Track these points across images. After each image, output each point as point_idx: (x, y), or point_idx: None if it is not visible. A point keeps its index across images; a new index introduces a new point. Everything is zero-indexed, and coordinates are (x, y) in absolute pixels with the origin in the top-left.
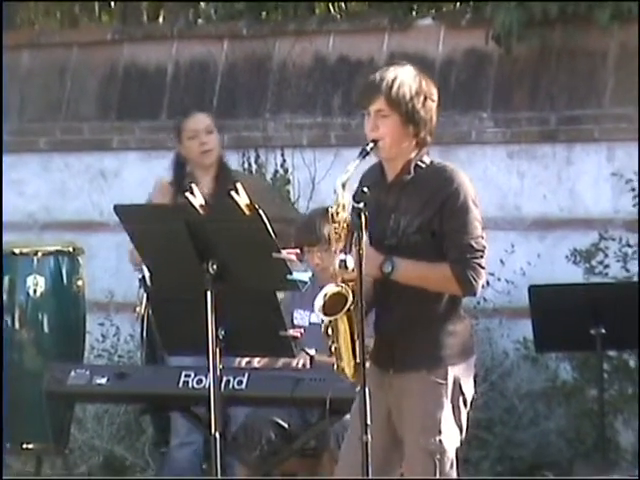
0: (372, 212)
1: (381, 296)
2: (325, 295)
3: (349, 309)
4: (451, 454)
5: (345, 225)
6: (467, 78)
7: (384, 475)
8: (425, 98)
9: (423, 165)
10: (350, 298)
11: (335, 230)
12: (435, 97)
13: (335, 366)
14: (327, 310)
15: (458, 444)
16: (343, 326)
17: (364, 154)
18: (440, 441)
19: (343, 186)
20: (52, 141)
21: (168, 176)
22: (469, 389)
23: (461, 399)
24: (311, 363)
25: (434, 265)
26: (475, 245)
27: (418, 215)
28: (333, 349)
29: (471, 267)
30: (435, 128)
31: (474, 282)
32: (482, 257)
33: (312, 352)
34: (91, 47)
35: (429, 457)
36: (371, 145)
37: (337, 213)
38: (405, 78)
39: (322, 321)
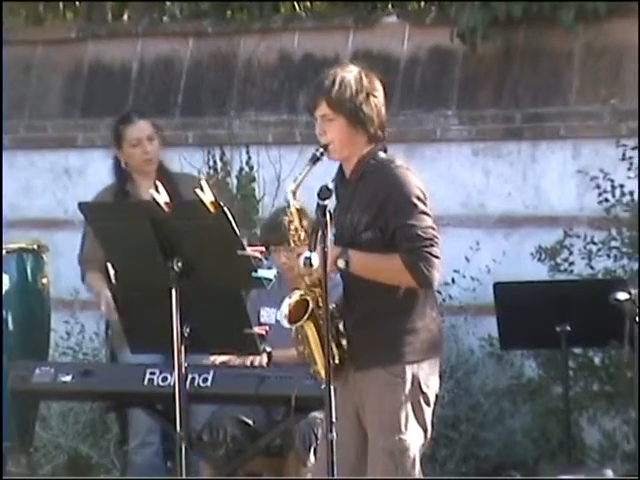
0: (336, 211)
1: (344, 293)
2: (289, 304)
3: (313, 313)
4: (412, 453)
5: (301, 233)
6: (432, 76)
7: (359, 473)
8: (368, 95)
9: (374, 162)
10: (312, 304)
11: (292, 237)
12: (379, 92)
13: (311, 370)
14: (292, 317)
15: (421, 442)
16: (310, 331)
17: (314, 160)
18: (400, 439)
19: (293, 194)
20: (16, 138)
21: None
22: (432, 388)
23: (422, 398)
24: (269, 360)
25: (388, 257)
26: (423, 234)
27: (365, 213)
28: (305, 354)
29: (421, 256)
30: (387, 122)
31: (426, 271)
32: (432, 246)
33: (269, 349)
34: (56, 45)
35: (388, 456)
36: (320, 150)
37: (291, 222)
38: (345, 79)
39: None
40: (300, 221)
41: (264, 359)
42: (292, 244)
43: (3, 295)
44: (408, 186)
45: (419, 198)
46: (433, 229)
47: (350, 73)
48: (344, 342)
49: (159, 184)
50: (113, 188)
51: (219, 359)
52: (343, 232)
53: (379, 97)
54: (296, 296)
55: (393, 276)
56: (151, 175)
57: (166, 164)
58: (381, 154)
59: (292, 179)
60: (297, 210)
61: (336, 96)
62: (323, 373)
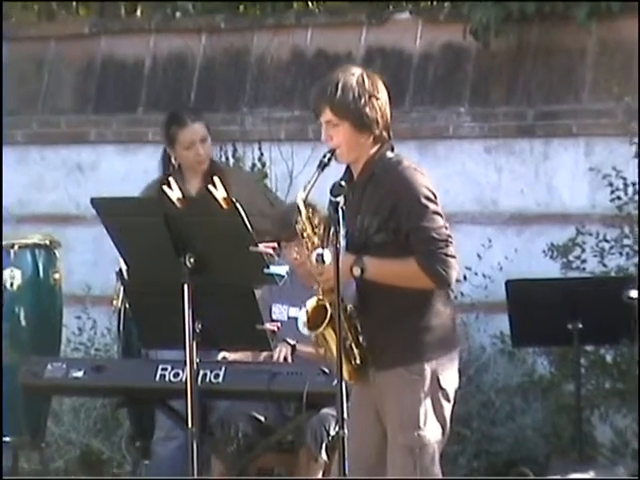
0: (346, 214)
1: (359, 295)
2: (308, 311)
3: (332, 319)
4: (432, 449)
5: (314, 240)
6: (445, 73)
7: (378, 472)
8: (370, 97)
9: (382, 164)
10: (329, 309)
11: (305, 244)
12: (382, 92)
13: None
14: (312, 323)
15: (440, 438)
16: (330, 336)
17: (322, 166)
18: (419, 435)
19: (304, 202)
20: (29, 134)
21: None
22: (451, 383)
23: (441, 393)
24: (293, 353)
25: (404, 261)
26: (437, 236)
27: (376, 215)
28: (327, 358)
29: (438, 259)
30: (391, 122)
31: (444, 273)
32: (447, 246)
33: (293, 342)
34: (68, 40)
35: (408, 452)
36: (328, 156)
37: (304, 229)
38: (347, 83)
39: (298, 307)
40: (312, 228)
41: (288, 352)
42: (305, 250)
43: (15, 290)
44: (416, 187)
45: (428, 198)
46: (446, 228)
47: (352, 76)
48: (363, 342)
49: (217, 180)
50: (160, 180)
51: (231, 357)
52: (354, 235)
53: (382, 98)
54: (313, 302)
55: (410, 280)
56: (202, 172)
57: (216, 158)
58: (388, 154)
59: (305, 175)
60: (308, 218)
61: (339, 102)
62: (345, 374)
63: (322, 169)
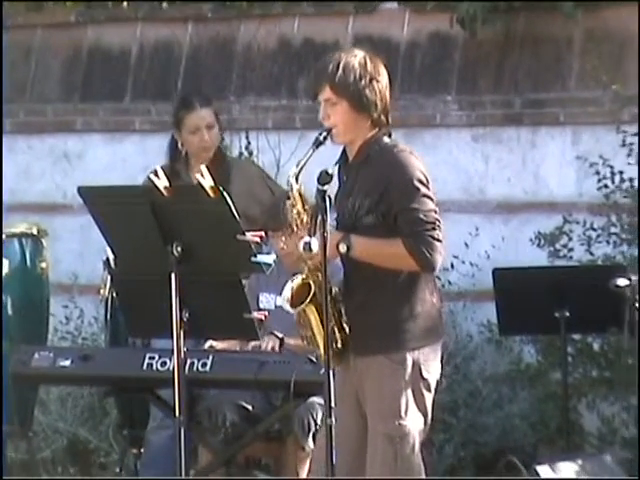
0: (338, 195)
1: (344, 278)
2: (292, 288)
3: (315, 297)
4: (412, 438)
5: (303, 217)
6: (432, 61)
7: (360, 458)
8: (371, 79)
9: (377, 147)
10: (313, 287)
11: (295, 221)
12: (384, 76)
13: (315, 355)
14: (295, 301)
15: (421, 428)
16: (312, 315)
17: (317, 144)
18: (400, 425)
19: (296, 178)
20: (16, 122)
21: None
22: (433, 373)
23: (422, 384)
24: (281, 346)
25: (390, 241)
26: (425, 218)
27: (367, 196)
28: (308, 338)
29: (423, 240)
30: (390, 107)
31: (429, 255)
32: (434, 230)
33: (280, 335)
34: (55, 29)
35: (388, 441)
36: (324, 134)
37: (293, 205)
38: (349, 63)
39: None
40: (303, 205)
41: (276, 344)
42: (294, 227)
43: (2, 280)
44: (410, 169)
45: (421, 181)
46: (435, 212)
47: (354, 58)
48: (346, 326)
49: (204, 168)
50: (165, 167)
51: (217, 345)
52: (344, 216)
53: (383, 82)
54: (298, 280)
55: (395, 261)
56: (207, 159)
57: (223, 148)
58: (385, 139)
59: (292, 164)
60: (300, 193)
61: (340, 80)
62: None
63: (317, 147)
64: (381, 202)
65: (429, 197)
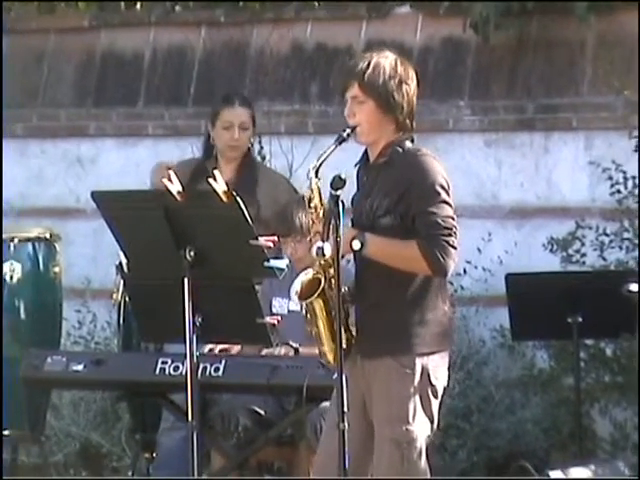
0: (357, 196)
1: (357, 280)
2: (302, 282)
3: (324, 292)
4: (419, 443)
5: (320, 211)
6: (444, 66)
7: (364, 462)
8: (401, 82)
9: (400, 150)
10: (323, 281)
11: (310, 216)
12: (413, 81)
13: (317, 350)
14: (303, 295)
15: (428, 434)
16: (320, 311)
17: (340, 140)
18: (407, 430)
19: (316, 172)
20: (29, 127)
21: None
22: (441, 380)
23: (430, 390)
24: (296, 355)
25: (404, 242)
26: (442, 223)
27: (386, 197)
28: (313, 334)
29: (438, 244)
30: (416, 112)
31: (442, 259)
32: (450, 236)
33: (296, 345)
34: (68, 33)
35: (395, 446)
36: (348, 131)
37: (311, 199)
38: (380, 63)
39: (302, 307)
40: (320, 199)
41: (291, 354)
42: (312, 219)
43: (15, 284)
44: (433, 174)
45: (443, 187)
46: (453, 219)
47: (386, 59)
48: (352, 327)
49: (217, 173)
50: (195, 162)
51: (217, 348)
52: (362, 217)
53: (412, 86)
54: (309, 274)
55: (408, 262)
56: (235, 161)
57: (252, 152)
58: (408, 143)
59: (305, 169)
60: (318, 187)
61: (369, 79)
62: (329, 355)
63: (339, 143)
64: (400, 203)
65: (448, 204)
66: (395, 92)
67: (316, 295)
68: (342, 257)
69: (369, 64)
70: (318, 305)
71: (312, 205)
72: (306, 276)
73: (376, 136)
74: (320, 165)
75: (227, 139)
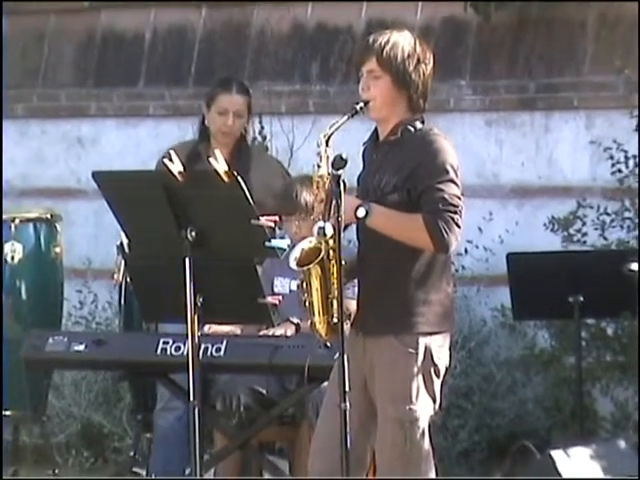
0: (363, 173)
1: (360, 257)
2: (302, 249)
3: (322, 261)
4: (422, 423)
5: (327, 180)
6: (445, 46)
7: (362, 441)
8: (418, 61)
9: (412, 129)
10: (324, 251)
11: (317, 184)
12: (430, 62)
13: (309, 322)
14: (302, 262)
15: (431, 413)
16: (316, 280)
17: (353, 112)
18: (410, 409)
19: (327, 141)
20: (29, 107)
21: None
22: (443, 360)
23: (432, 369)
24: (297, 332)
25: (409, 215)
26: (449, 199)
27: (395, 175)
28: (307, 304)
29: (442, 218)
30: (429, 93)
31: (445, 234)
32: (456, 213)
33: (297, 321)
34: (68, 14)
35: (398, 426)
36: (361, 104)
37: (319, 166)
38: (399, 41)
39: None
40: (328, 168)
41: (292, 331)
42: (315, 191)
43: (16, 264)
44: (444, 154)
45: (452, 167)
46: (459, 199)
47: (405, 38)
48: (346, 303)
49: (218, 153)
50: (191, 144)
51: (213, 328)
52: (368, 193)
53: (428, 67)
54: (310, 244)
55: (411, 234)
56: (227, 146)
57: (247, 136)
58: (419, 124)
59: (306, 149)
60: (327, 156)
61: (387, 54)
62: (320, 326)
63: (352, 116)
64: (409, 180)
65: (456, 184)
66: (412, 70)
67: (315, 262)
68: (345, 227)
69: (388, 40)
70: (315, 272)
71: (319, 174)
72: (307, 244)
73: (388, 112)
74: (332, 134)
75: (220, 124)
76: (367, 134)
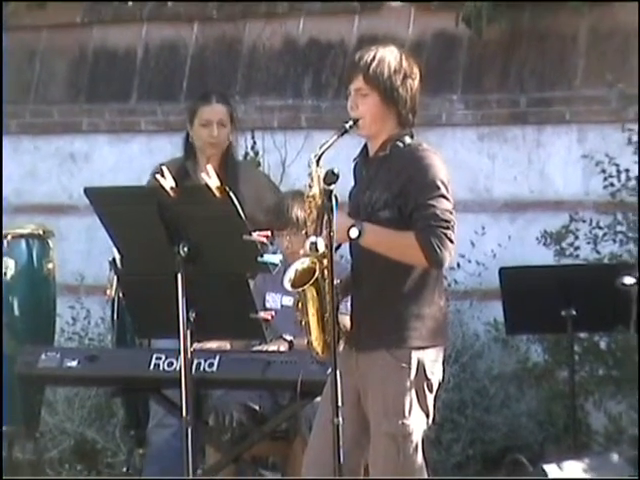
0: (354, 189)
1: (353, 273)
2: (296, 270)
3: (317, 282)
4: (415, 437)
5: (318, 200)
6: (437, 60)
7: (354, 456)
8: (405, 76)
9: (401, 145)
10: (318, 271)
11: (308, 204)
12: (417, 76)
13: (306, 341)
14: (296, 283)
15: (424, 428)
16: (312, 300)
17: (342, 131)
18: (403, 424)
19: (317, 161)
20: (21, 123)
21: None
22: (436, 374)
23: (425, 384)
24: (290, 349)
25: (402, 233)
26: (441, 215)
27: (385, 191)
28: (303, 323)
29: (436, 235)
30: (418, 108)
31: (438, 250)
32: (448, 228)
33: (290, 338)
34: (60, 30)
35: (391, 441)
36: (350, 123)
37: (310, 187)
38: (385, 57)
39: (294, 296)
40: (319, 188)
41: (286, 348)
42: (307, 209)
43: (9, 280)
44: (434, 169)
45: (443, 182)
46: (451, 214)
47: (391, 53)
48: (342, 320)
49: (210, 168)
50: (178, 162)
51: (207, 345)
52: (359, 210)
53: (416, 81)
54: (304, 264)
55: (405, 252)
56: (214, 159)
57: (233, 150)
58: (408, 138)
59: (298, 164)
60: (319, 176)
61: (374, 72)
62: (317, 346)
63: (341, 134)
64: (400, 197)
65: (447, 199)
66: (400, 86)
67: (310, 283)
68: (337, 247)
69: (374, 57)
70: (310, 294)
71: (311, 194)
72: (301, 264)
73: (378, 129)
74: (322, 154)
75: (205, 136)
76: (357, 149)
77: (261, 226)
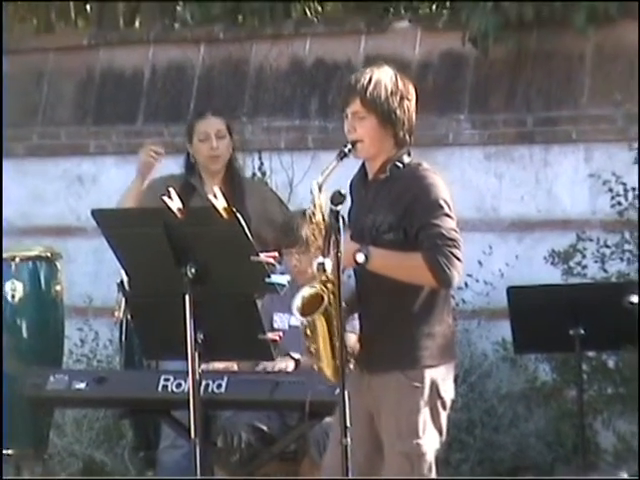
0: (354, 211)
1: (360, 294)
2: (303, 297)
3: (326, 309)
4: (429, 457)
5: (322, 226)
6: (444, 80)
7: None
8: (402, 98)
9: (400, 165)
10: (326, 298)
11: (312, 231)
12: (413, 96)
13: (316, 367)
14: (305, 311)
15: (437, 447)
16: (321, 327)
17: (342, 156)
18: (417, 444)
19: (319, 188)
20: (29, 146)
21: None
22: (448, 392)
23: (439, 402)
24: (297, 367)
25: (408, 254)
26: (447, 234)
27: (389, 213)
28: (313, 350)
29: (443, 254)
30: (415, 128)
31: (447, 270)
32: (455, 247)
33: (297, 356)
34: (67, 52)
35: (406, 460)
36: (349, 147)
37: (313, 214)
38: (381, 79)
39: (301, 323)
40: (323, 215)
41: (291, 366)
42: (312, 239)
43: (17, 303)
44: (436, 189)
45: (445, 201)
46: (456, 232)
47: (386, 74)
48: (348, 339)
49: (217, 190)
50: (181, 179)
51: (215, 365)
52: (363, 233)
53: (412, 102)
54: (311, 290)
55: (413, 273)
56: (218, 176)
57: (237, 165)
58: (406, 158)
59: (305, 184)
60: (321, 203)
61: (371, 95)
62: (327, 371)
63: (341, 159)
64: (404, 218)
65: (451, 217)
66: (397, 108)
67: (320, 311)
68: (343, 271)
69: (371, 80)
70: (320, 322)
71: (314, 221)
72: (308, 291)
73: (376, 151)
74: (323, 181)
75: (206, 150)
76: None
77: (268, 243)
